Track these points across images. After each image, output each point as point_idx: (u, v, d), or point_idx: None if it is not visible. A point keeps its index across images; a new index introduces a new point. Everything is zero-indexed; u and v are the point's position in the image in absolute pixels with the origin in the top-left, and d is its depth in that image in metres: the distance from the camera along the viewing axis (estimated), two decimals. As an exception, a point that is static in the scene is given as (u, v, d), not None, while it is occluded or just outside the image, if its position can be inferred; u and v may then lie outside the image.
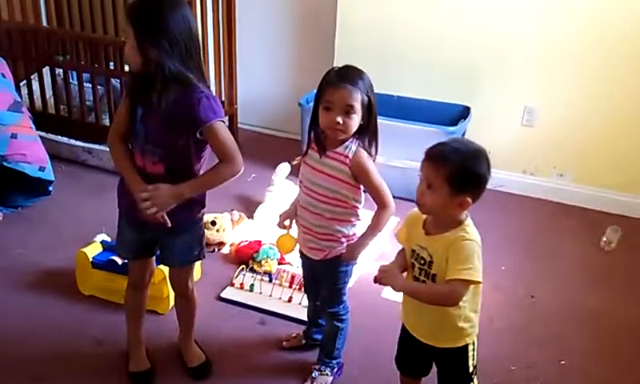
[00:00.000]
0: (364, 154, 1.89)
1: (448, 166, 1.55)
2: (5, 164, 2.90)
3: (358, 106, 1.82)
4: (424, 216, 1.69)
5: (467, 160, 1.57)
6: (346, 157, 1.89)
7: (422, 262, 1.65)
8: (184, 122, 1.80)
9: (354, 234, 2.00)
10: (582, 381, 2.30)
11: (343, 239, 1.98)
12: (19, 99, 2.77)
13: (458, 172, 1.56)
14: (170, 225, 1.88)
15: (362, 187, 1.94)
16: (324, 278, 2.11)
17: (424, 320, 1.73)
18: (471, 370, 1.76)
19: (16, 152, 2.89)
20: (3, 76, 2.92)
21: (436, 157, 1.58)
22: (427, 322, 1.73)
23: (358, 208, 1.98)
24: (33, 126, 3.02)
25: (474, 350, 1.75)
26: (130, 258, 2.12)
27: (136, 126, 1.85)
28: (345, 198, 1.93)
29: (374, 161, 1.93)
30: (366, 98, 1.84)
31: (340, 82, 1.82)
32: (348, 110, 1.81)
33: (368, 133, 1.90)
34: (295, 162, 2.07)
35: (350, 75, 1.84)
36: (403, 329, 1.86)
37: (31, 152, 2.94)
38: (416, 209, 1.74)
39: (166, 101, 1.75)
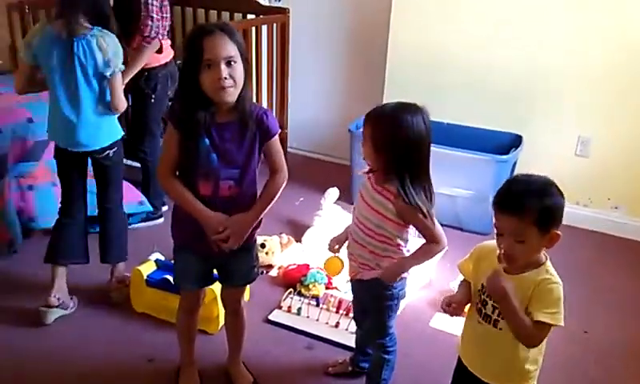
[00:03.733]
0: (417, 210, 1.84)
1: (532, 211, 1.48)
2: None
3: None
4: (497, 251, 1.60)
5: (545, 197, 1.50)
6: (391, 193, 1.86)
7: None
8: (257, 136, 1.87)
9: None
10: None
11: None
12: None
13: (543, 213, 1.48)
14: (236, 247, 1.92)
15: (408, 226, 1.91)
16: (369, 308, 2.10)
17: (492, 361, 1.68)
18: None
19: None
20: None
21: (514, 205, 1.48)
22: (495, 363, 1.68)
23: (402, 247, 1.94)
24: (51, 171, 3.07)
25: None
26: (194, 287, 2.13)
27: (202, 156, 1.84)
28: (390, 235, 1.91)
29: (431, 199, 1.87)
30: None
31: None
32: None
33: (412, 171, 1.84)
34: (360, 172, 2.05)
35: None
36: (459, 365, 1.81)
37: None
38: (488, 242, 1.70)
39: (249, 120, 1.84)
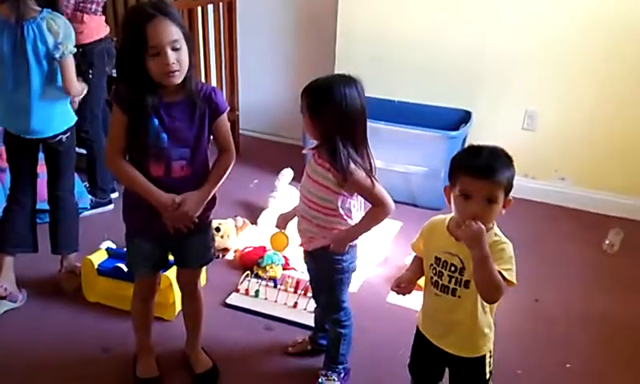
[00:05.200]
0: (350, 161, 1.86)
1: (504, 176, 1.55)
2: None
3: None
4: (446, 222, 1.69)
5: (511, 163, 1.59)
6: (329, 163, 1.88)
7: (453, 269, 1.65)
8: (206, 114, 1.86)
9: None
10: (587, 383, 2.30)
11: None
12: None
13: (510, 178, 1.58)
14: (192, 226, 1.91)
15: (351, 196, 1.93)
16: (322, 283, 2.13)
17: (454, 330, 1.72)
18: (488, 376, 1.77)
19: None
20: None
21: (488, 171, 1.54)
22: (458, 332, 1.71)
23: (346, 217, 1.95)
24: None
25: (491, 357, 1.76)
26: (149, 273, 2.10)
27: (152, 136, 1.81)
28: (333, 205, 1.92)
29: (370, 167, 1.90)
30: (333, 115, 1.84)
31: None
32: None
33: (348, 140, 1.86)
34: (305, 151, 2.07)
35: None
36: (419, 337, 1.85)
37: None
38: (436, 217, 1.75)
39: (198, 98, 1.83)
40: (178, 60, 1.74)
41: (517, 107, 3.64)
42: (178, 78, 1.77)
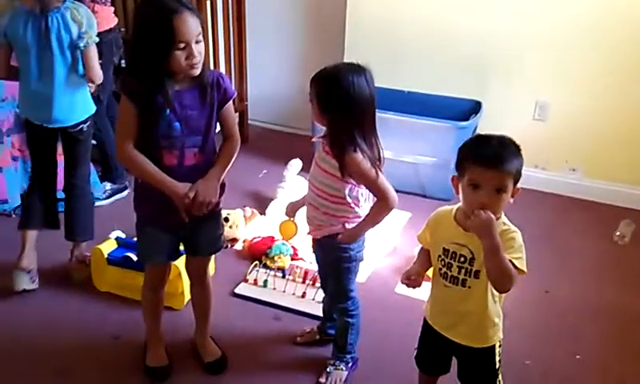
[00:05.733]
0: (349, 147, 1.85)
1: (513, 166, 1.54)
2: None
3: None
4: (453, 213, 1.67)
5: (519, 153, 1.58)
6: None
7: (462, 259, 1.63)
8: (215, 99, 1.87)
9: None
10: (597, 375, 2.29)
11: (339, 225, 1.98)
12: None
13: (521, 167, 1.57)
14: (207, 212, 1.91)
15: (356, 184, 1.92)
16: (329, 272, 2.13)
17: (464, 321, 1.71)
18: (497, 366, 1.76)
19: None
20: None
21: (497, 161, 1.53)
22: (468, 323, 1.71)
23: (354, 206, 1.94)
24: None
25: (500, 346, 1.75)
26: (161, 263, 2.10)
27: (164, 126, 1.81)
28: (340, 193, 1.92)
29: (378, 158, 1.89)
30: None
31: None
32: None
33: (356, 128, 1.85)
34: (314, 139, 2.07)
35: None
36: (426, 328, 1.85)
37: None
38: (442, 208, 1.74)
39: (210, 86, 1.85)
40: (200, 52, 1.76)
41: (528, 97, 3.61)
42: (199, 69, 1.79)
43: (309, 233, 2.08)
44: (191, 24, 1.72)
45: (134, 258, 2.47)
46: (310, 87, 1.89)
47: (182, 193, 1.84)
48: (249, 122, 4.36)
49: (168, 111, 1.81)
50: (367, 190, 1.95)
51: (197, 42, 1.74)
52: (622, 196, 3.55)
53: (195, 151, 1.88)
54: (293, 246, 2.88)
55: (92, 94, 2.65)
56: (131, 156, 1.84)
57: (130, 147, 1.84)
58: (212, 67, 3.83)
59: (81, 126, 2.56)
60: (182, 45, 1.71)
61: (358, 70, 1.85)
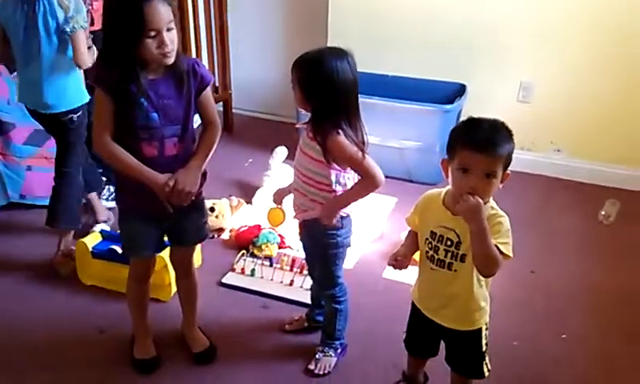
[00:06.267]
0: (332, 131, 1.84)
1: (504, 151, 1.53)
2: (25, 202, 3.10)
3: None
4: (442, 196, 1.67)
5: (510, 137, 1.56)
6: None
7: (449, 243, 1.63)
8: (193, 87, 1.84)
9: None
10: (583, 354, 2.31)
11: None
12: (41, 128, 2.77)
13: (511, 152, 1.56)
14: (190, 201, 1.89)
15: (343, 170, 1.90)
16: (316, 258, 2.12)
17: (451, 304, 1.71)
18: (484, 348, 1.77)
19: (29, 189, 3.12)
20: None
21: (487, 145, 1.51)
22: (454, 306, 1.71)
23: (339, 193, 1.93)
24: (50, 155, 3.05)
25: (487, 329, 1.76)
26: (149, 255, 2.09)
27: (141, 117, 1.79)
28: (326, 180, 1.91)
29: (362, 141, 1.88)
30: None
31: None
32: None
33: (339, 113, 1.84)
34: (298, 125, 2.05)
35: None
36: (414, 312, 1.85)
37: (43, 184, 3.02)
38: (430, 191, 1.73)
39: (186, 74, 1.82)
40: (172, 40, 1.73)
41: (512, 79, 3.61)
42: (172, 58, 1.76)
43: (295, 216, 2.07)
44: (162, 11, 1.68)
45: (119, 250, 2.44)
46: (292, 72, 1.87)
47: (161, 182, 1.82)
48: (233, 110, 4.33)
49: (145, 101, 1.78)
50: (354, 176, 1.94)
51: (168, 30, 1.71)
52: (606, 176, 3.57)
53: (175, 141, 1.86)
54: (280, 234, 2.87)
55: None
56: (110, 148, 1.81)
57: (108, 140, 1.81)
58: (194, 56, 3.80)
59: (70, 116, 2.54)
60: (153, 33, 1.68)
61: (340, 54, 1.84)
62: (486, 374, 1.80)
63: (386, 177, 1.94)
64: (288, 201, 2.13)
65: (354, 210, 2.00)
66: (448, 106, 3.41)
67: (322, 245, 2.03)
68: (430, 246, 1.68)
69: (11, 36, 2.46)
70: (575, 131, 3.60)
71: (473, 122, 1.60)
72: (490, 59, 3.61)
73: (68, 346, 2.29)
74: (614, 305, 2.59)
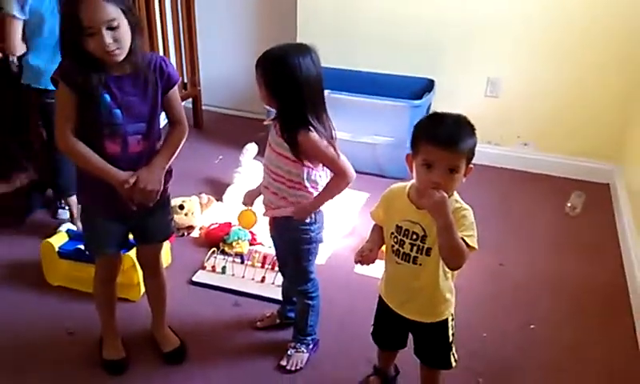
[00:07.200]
0: (302, 128, 1.84)
1: (467, 146, 1.54)
2: None
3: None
4: (406, 190, 1.68)
5: (473, 133, 1.57)
6: None
7: (414, 237, 1.64)
8: (159, 85, 1.81)
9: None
10: (551, 345, 2.35)
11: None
12: None
13: (474, 147, 1.57)
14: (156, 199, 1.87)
15: (314, 167, 1.91)
16: (288, 255, 2.11)
17: (416, 298, 1.73)
18: (450, 339, 1.79)
19: None
20: None
21: (451, 141, 1.52)
22: (420, 299, 1.73)
23: (310, 190, 1.93)
24: None
25: (453, 320, 1.78)
26: (113, 253, 2.06)
27: (104, 113, 1.76)
28: (297, 178, 1.90)
29: (331, 136, 1.88)
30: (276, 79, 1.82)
31: None
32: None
33: (306, 109, 1.83)
34: (266, 122, 2.02)
35: None
36: (381, 305, 1.86)
37: None
38: (395, 185, 1.75)
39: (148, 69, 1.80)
40: (117, 38, 1.68)
41: (479, 75, 3.65)
42: (120, 56, 1.72)
43: (265, 213, 2.06)
44: (98, 9, 1.64)
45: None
46: (256, 70, 1.85)
47: (121, 179, 1.79)
48: (203, 107, 4.29)
49: (108, 97, 1.75)
50: (325, 173, 1.94)
51: (110, 29, 1.66)
52: (572, 168, 3.64)
53: (139, 138, 1.83)
54: (251, 232, 2.85)
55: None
56: (70, 143, 1.78)
57: (69, 134, 1.77)
58: (162, 53, 3.75)
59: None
60: (90, 31, 1.65)
61: (304, 50, 1.83)
62: (454, 364, 1.82)
63: (358, 172, 1.95)
64: (259, 202, 2.11)
65: (325, 205, 2.00)
66: (417, 101, 3.43)
67: (295, 240, 2.02)
68: (395, 240, 1.69)
69: (46, 23, 2.54)
70: (542, 125, 3.65)
71: (436, 118, 1.62)
72: (458, 55, 3.65)
73: (37, 348, 2.24)
74: (581, 295, 2.64)
